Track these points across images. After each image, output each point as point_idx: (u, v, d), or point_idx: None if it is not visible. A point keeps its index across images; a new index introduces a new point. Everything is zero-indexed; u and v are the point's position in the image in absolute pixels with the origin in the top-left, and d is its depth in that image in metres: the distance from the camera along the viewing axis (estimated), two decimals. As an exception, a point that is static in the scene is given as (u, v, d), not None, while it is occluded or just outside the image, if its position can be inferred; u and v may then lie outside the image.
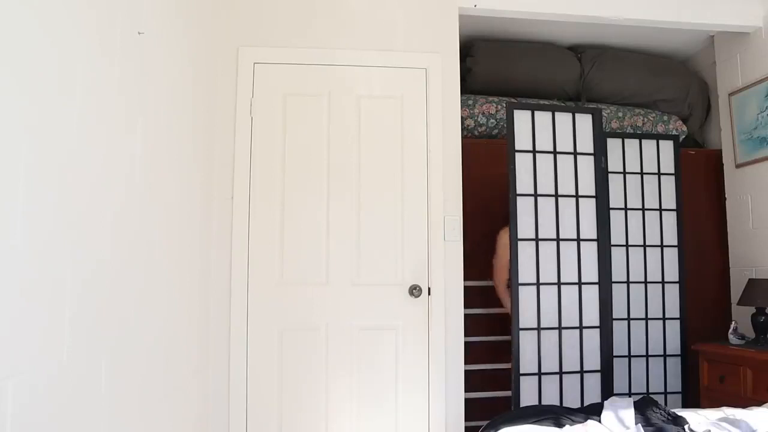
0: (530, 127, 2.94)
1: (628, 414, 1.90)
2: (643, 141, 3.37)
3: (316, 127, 2.91)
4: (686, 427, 1.82)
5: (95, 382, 1.46)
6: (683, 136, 3.91)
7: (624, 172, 3.32)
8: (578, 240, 2.92)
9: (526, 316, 2.83)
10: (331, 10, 2.98)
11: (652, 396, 2.43)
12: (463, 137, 3.06)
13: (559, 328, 2.86)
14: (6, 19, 1.06)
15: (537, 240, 2.87)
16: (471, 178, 3.05)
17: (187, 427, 2.36)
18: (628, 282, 3.25)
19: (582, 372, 2.87)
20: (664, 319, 3.26)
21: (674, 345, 3.24)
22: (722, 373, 2.91)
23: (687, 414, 1.96)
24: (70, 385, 1.33)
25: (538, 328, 2.84)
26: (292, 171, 2.87)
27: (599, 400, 2.51)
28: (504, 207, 2.89)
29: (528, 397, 2.80)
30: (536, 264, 2.87)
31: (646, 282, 3.27)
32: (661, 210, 3.32)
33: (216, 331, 2.73)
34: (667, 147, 3.38)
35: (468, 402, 2.89)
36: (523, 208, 2.87)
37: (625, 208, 3.30)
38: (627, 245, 3.27)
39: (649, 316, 3.25)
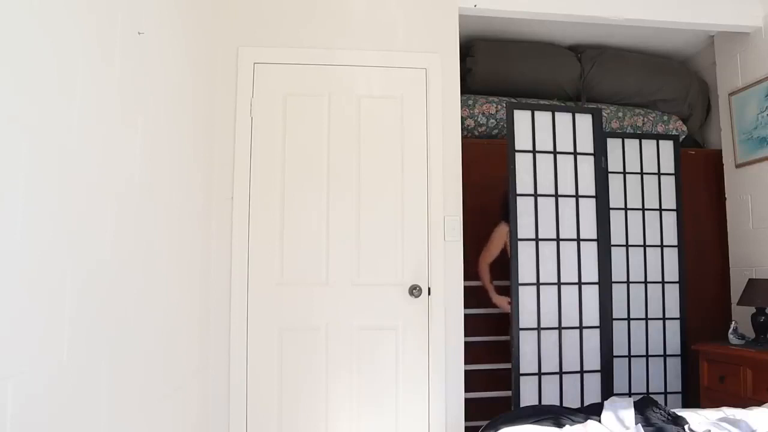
0: (530, 127, 2.94)
1: (628, 414, 1.90)
2: (643, 141, 3.38)
3: (316, 127, 2.91)
4: (686, 427, 1.82)
5: (95, 382, 1.46)
6: (683, 136, 3.91)
7: (624, 172, 3.32)
8: (578, 240, 2.92)
9: (526, 316, 2.84)
10: (330, 11, 2.98)
11: (652, 396, 2.43)
12: (463, 137, 3.06)
13: (559, 328, 2.86)
14: (6, 19, 1.06)
15: (537, 240, 2.87)
16: (471, 178, 3.05)
17: (187, 427, 2.36)
18: (628, 282, 3.25)
19: (582, 372, 2.87)
20: (664, 319, 3.26)
21: (674, 345, 3.25)
22: (722, 373, 2.91)
23: (687, 414, 1.96)
24: (70, 385, 1.33)
25: (538, 328, 2.84)
26: (292, 171, 2.87)
27: (599, 400, 2.51)
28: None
29: (528, 397, 2.80)
30: (536, 264, 2.87)
31: (646, 282, 3.27)
32: (661, 210, 3.32)
33: (216, 331, 2.73)
34: (667, 147, 3.38)
35: (468, 402, 2.89)
36: (523, 208, 2.87)
37: (625, 208, 3.30)
38: (627, 245, 3.27)
39: (649, 316, 3.25)
